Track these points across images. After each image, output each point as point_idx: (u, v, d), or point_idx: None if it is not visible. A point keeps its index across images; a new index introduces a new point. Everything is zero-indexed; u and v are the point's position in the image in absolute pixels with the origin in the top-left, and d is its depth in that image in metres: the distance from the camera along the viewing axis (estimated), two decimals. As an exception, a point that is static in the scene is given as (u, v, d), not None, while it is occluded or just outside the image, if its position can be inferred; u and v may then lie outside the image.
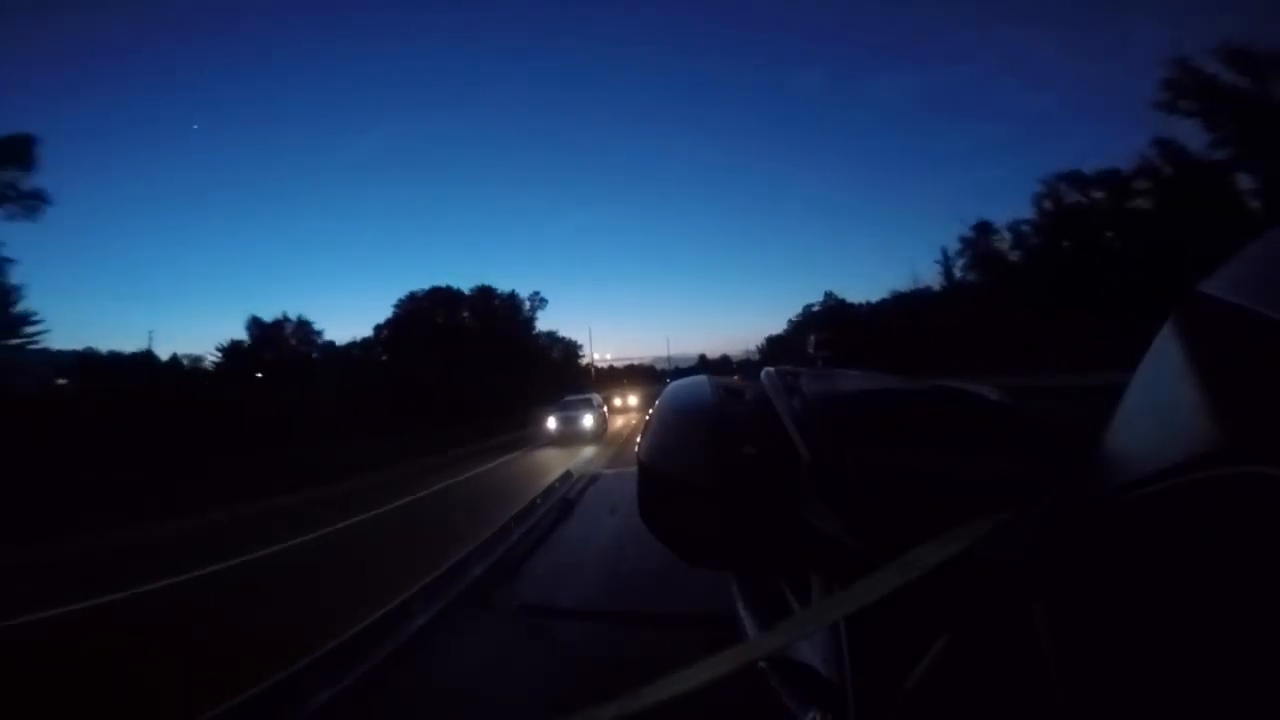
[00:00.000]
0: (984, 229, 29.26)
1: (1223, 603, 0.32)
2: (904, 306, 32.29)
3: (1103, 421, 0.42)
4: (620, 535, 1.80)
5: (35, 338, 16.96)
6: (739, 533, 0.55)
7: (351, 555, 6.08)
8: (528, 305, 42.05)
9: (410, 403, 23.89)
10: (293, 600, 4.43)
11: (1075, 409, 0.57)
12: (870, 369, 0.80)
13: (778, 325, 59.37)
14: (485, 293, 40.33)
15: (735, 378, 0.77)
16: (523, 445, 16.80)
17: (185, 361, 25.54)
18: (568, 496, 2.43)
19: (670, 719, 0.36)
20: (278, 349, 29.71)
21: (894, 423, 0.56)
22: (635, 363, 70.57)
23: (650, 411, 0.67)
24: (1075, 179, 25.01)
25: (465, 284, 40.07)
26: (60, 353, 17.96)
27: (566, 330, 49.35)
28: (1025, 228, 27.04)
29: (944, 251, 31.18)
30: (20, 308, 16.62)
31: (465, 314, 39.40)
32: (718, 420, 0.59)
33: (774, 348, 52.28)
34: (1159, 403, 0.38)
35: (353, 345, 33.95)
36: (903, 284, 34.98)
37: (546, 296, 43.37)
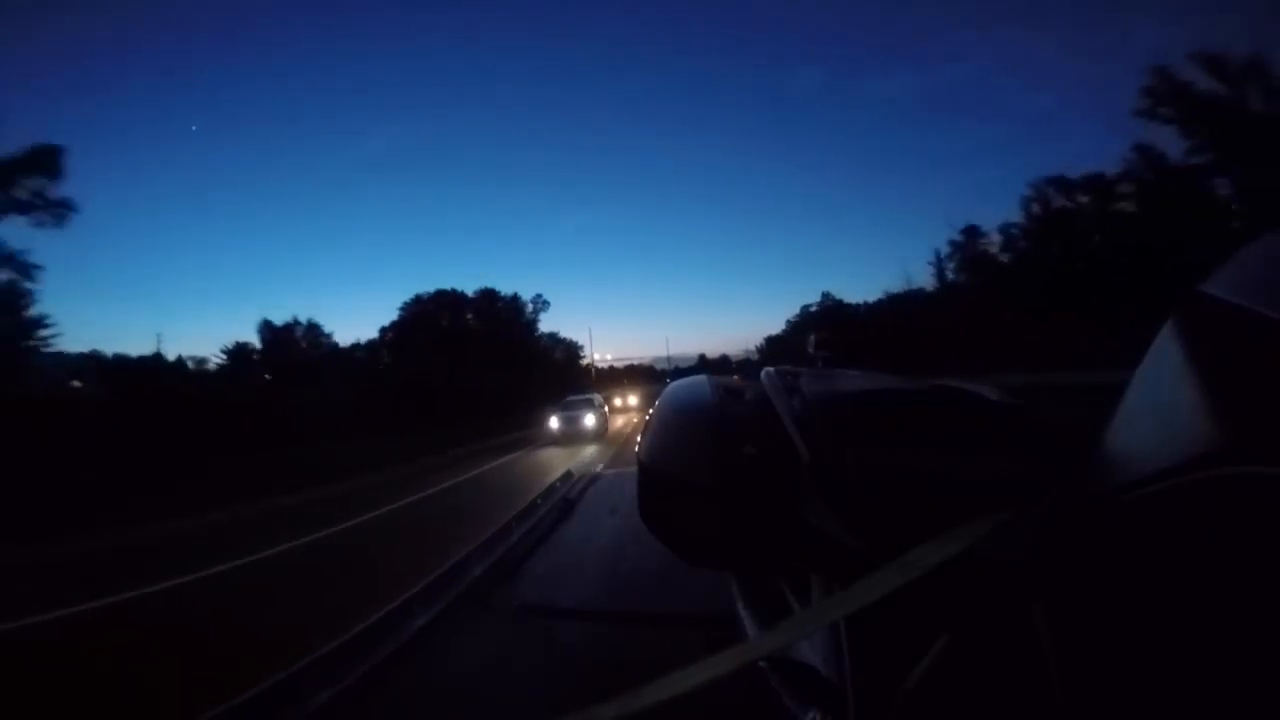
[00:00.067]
0: (972, 233, 30.15)
1: (1223, 603, 0.32)
2: (899, 307, 32.69)
3: (1103, 421, 0.42)
4: (620, 535, 1.80)
5: (48, 341, 17.22)
6: (739, 533, 0.55)
7: (353, 555, 6.08)
8: (530, 308, 42.91)
9: (415, 404, 24.10)
10: (293, 601, 4.43)
11: (1070, 408, 0.57)
12: (869, 369, 0.80)
13: (776, 325, 59.50)
14: (489, 295, 41.07)
15: (735, 377, 0.77)
16: (525, 445, 16.81)
17: (190, 363, 25.76)
18: (568, 496, 2.42)
19: (670, 719, 0.36)
20: (288, 352, 30.26)
21: (894, 423, 0.56)
22: (635, 363, 70.66)
23: (650, 411, 0.67)
24: (1061, 183, 25.61)
25: (465, 284, 40.58)
26: (71, 355, 18.22)
27: (567, 330, 49.77)
28: (1015, 230, 27.70)
29: (936, 253, 31.81)
30: (33, 311, 16.90)
31: (469, 316, 40.20)
32: (718, 420, 0.59)
33: (773, 348, 52.39)
34: (1159, 403, 0.38)
35: (356, 347, 34.48)
36: (897, 284, 35.68)
37: (547, 297, 44.03)
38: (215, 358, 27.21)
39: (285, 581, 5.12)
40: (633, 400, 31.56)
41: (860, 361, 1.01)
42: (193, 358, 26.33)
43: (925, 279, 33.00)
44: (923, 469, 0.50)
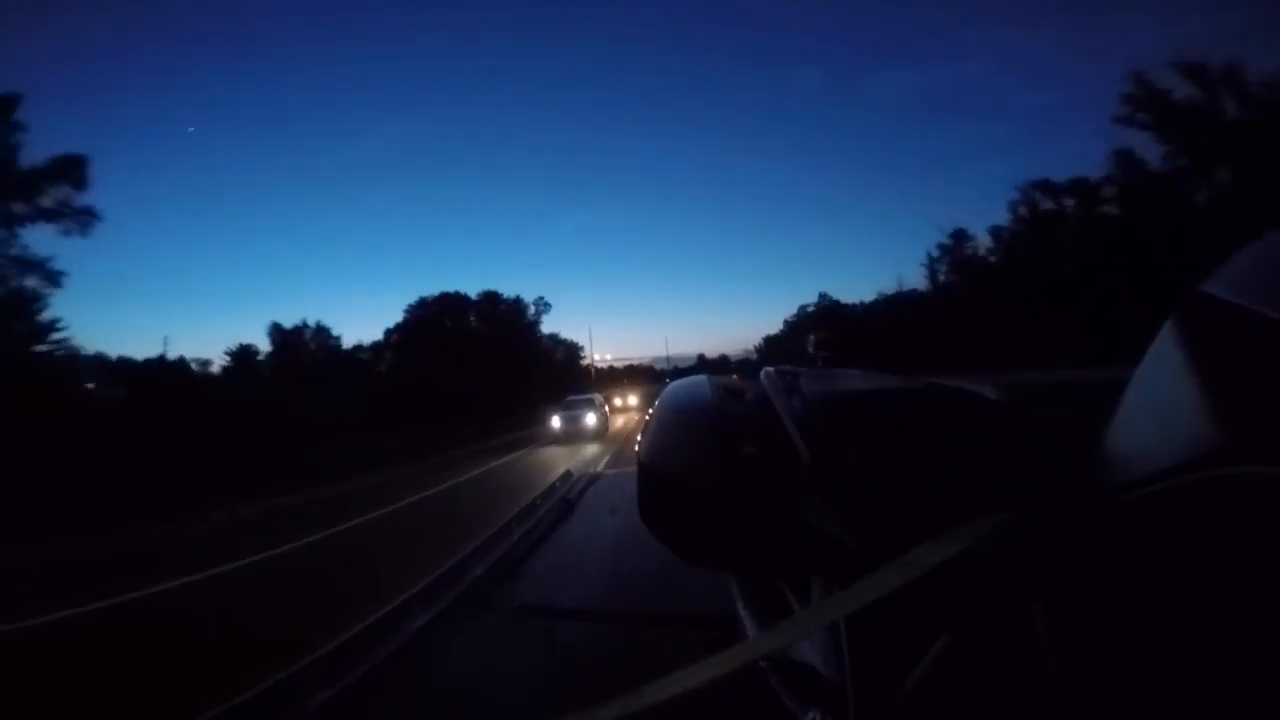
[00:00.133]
0: (960, 236, 31.11)
1: (1222, 603, 0.32)
2: (894, 308, 33.14)
3: (1103, 421, 0.42)
4: (620, 535, 1.79)
5: (61, 344, 17.61)
6: (739, 533, 0.55)
7: (355, 555, 6.07)
8: (532, 309, 43.68)
9: (418, 404, 24.29)
10: (294, 601, 4.42)
11: (1058, 406, 0.57)
12: (869, 369, 0.80)
13: (774, 326, 59.63)
14: (491, 297, 41.83)
15: (734, 377, 0.77)
16: (526, 444, 16.84)
17: (194, 365, 25.93)
18: (568, 497, 2.42)
19: (670, 719, 0.36)
20: (296, 354, 30.81)
21: (894, 423, 0.56)
22: (634, 363, 70.75)
23: (650, 411, 0.67)
24: (1047, 186, 26.26)
25: (465, 283, 41.09)
26: (83, 357, 18.31)
27: (567, 331, 50.18)
28: (1003, 233, 28.45)
29: (929, 255, 32.56)
30: (46, 315, 17.30)
31: (472, 318, 40.90)
32: (718, 420, 0.59)
33: (772, 348, 52.47)
34: (1159, 403, 0.38)
35: (359, 348, 34.93)
36: (891, 285, 36.57)
37: (547, 297, 44.62)
38: (219, 359, 27.43)
39: (286, 582, 5.12)
40: (632, 400, 31.64)
41: (859, 362, 1.01)
42: (196, 359, 26.55)
43: (919, 280, 33.86)
44: (923, 469, 0.50)
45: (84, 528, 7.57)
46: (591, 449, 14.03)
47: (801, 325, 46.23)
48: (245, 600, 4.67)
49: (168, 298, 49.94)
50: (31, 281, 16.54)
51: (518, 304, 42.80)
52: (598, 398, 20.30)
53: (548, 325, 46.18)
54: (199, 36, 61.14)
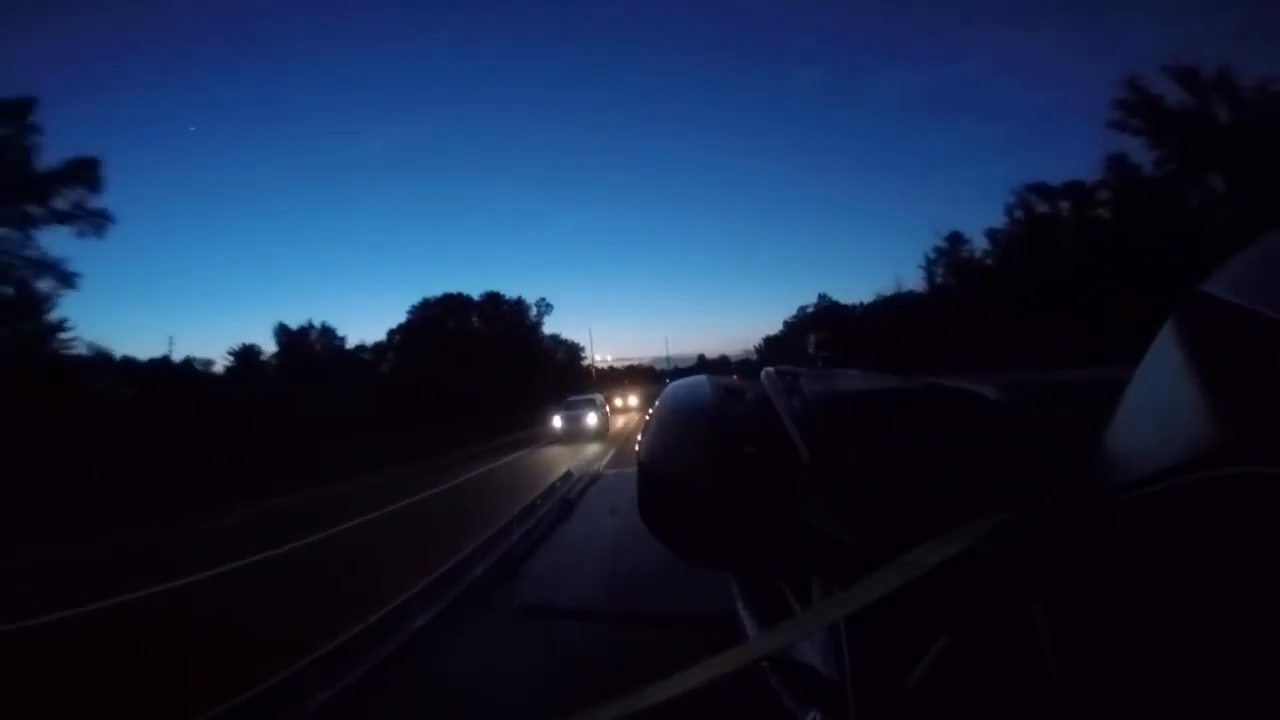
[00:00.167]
0: (956, 240, 31.65)
1: (1222, 603, 0.31)
2: (892, 309, 33.47)
3: (1103, 421, 0.42)
4: (620, 535, 1.80)
5: (68, 344, 17.80)
6: (739, 533, 0.55)
7: (355, 555, 6.08)
8: (534, 311, 44.05)
9: (421, 405, 24.38)
10: (294, 601, 4.43)
11: (1054, 405, 0.57)
12: (869, 369, 0.80)
13: (774, 326, 59.78)
14: (494, 299, 42.28)
15: (734, 377, 0.77)
16: (528, 444, 16.87)
17: (197, 365, 26.00)
18: (567, 497, 2.42)
19: (670, 719, 0.36)
20: (302, 354, 31.19)
21: (894, 423, 0.56)
22: (635, 363, 70.81)
23: (650, 411, 0.67)
24: (1043, 190, 26.64)
25: (465, 283, 41.40)
26: (87, 358, 18.42)
27: (567, 331, 50.38)
28: (1000, 235, 28.86)
29: (926, 257, 32.98)
30: (53, 316, 17.48)
31: (475, 319, 41.37)
32: (718, 420, 0.59)
33: (771, 348, 52.57)
34: (1159, 403, 0.38)
35: (361, 348, 35.25)
36: (889, 287, 36.96)
37: (547, 297, 44.79)
38: (222, 359, 27.53)
39: (284, 582, 5.12)
40: (633, 400, 31.69)
41: (858, 362, 1.00)
42: (199, 360, 26.63)
43: (917, 281, 34.26)
44: (923, 469, 0.50)
45: (85, 528, 7.58)
46: (593, 448, 14.06)
47: (801, 326, 46.58)
48: (245, 600, 4.68)
49: (170, 297, 50.10)
50: (47, 283, 16.85)
51: (520, 305, 43.29)
52: (599, 398, 20.36)
53: (549, 326, 46.53)
54: (200, 37, 61.28)
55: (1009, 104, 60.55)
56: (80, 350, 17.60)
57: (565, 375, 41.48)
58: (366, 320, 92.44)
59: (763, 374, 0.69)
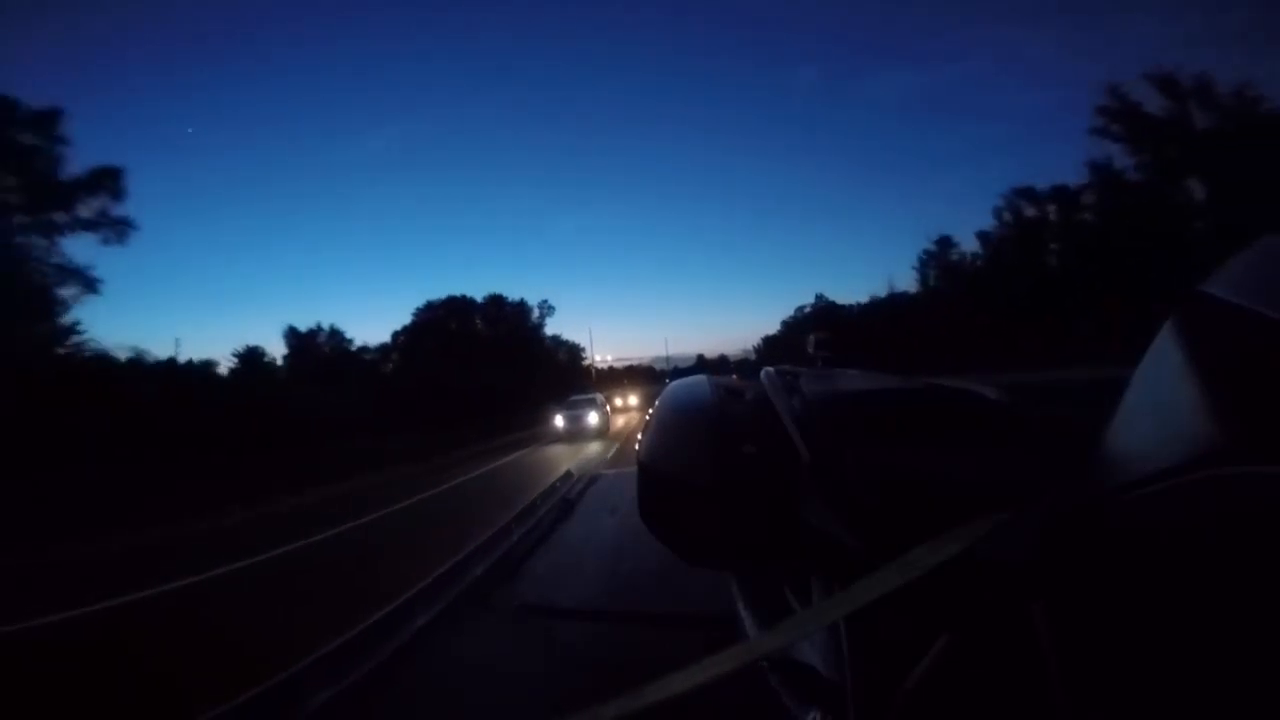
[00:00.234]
0: (945, 243, 32.40)
1: (1222, 603, 0.31)
2: (888, 310, 33.98)
3: (1103, 421, 0.42)
4: (620, 535, 1.80)
5: (80, 346, 18.03)
6: (739, 533, 0.55)
7: (358, 554, 6.08)
8: (536, 313, 44.78)
9: (425, 405, 24.58)
10: (294, 601, 4.43)
11: (1055, 405, 0.57)
12: (869, 369, 0.80)
13: (772, 326, 59.89)
14: (497, 301, 42.84)
15: (733, 377, 0.77)
16: (530, 443, 16.91)
17: (200, 365, 26.12)
18: (568, 497, 2.42)
19: (670, 719, 0.36)
20: (310, 356, 31.69)
21: (894, 423, 0.56)
22: (634, 363, 70.78)
23: (650, 411, 0.67)
24: (1030, 194, 27.25)
25: (465, 284, 41.84)
26: (107, 359, 18.56)
27: (567, 332, 50.63)
28: (990, 238, 29.47)
29: (920, 259, 33.56)
30: (67, 318, 17.75)
31: (478, 321, 42.14)
32: (718, 420, 0.59)
33: (770, 348, 52.71)
34: (1159, 403, 0.38)
35: (364, 350, 35.73)
36: (883, 287, 37.47)
37: (547, 297, 45.34)
38: (227, 361, 27.66)
39: (284, 583, 5.12)
40: (633, 400, 31.75)
41: (857, 362, 1.01)
42: (202, 361, 26.76)
43: (910, 283, 34.80)
44: (923, 469, 0.50)
45: (85, 528, 7.59)
46: (594, 447, 14.12)
47: (799, 326, 46.92)
48: (244, 600, 4.68)
49: (176, 299, 50.06)
50: (71, 289, 17.28)
51: (522, 306, 43.93)
52: (599, 397, 20.48)
53: (550, 327, 46.89)
54: (202, 39, 61.25)
55: (1006, 104, 60.43)
56: (94, 351, 17.87)
57: (566, 375, 41.76)
58: (372, 322, 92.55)
59: (763, 374, 0.69)
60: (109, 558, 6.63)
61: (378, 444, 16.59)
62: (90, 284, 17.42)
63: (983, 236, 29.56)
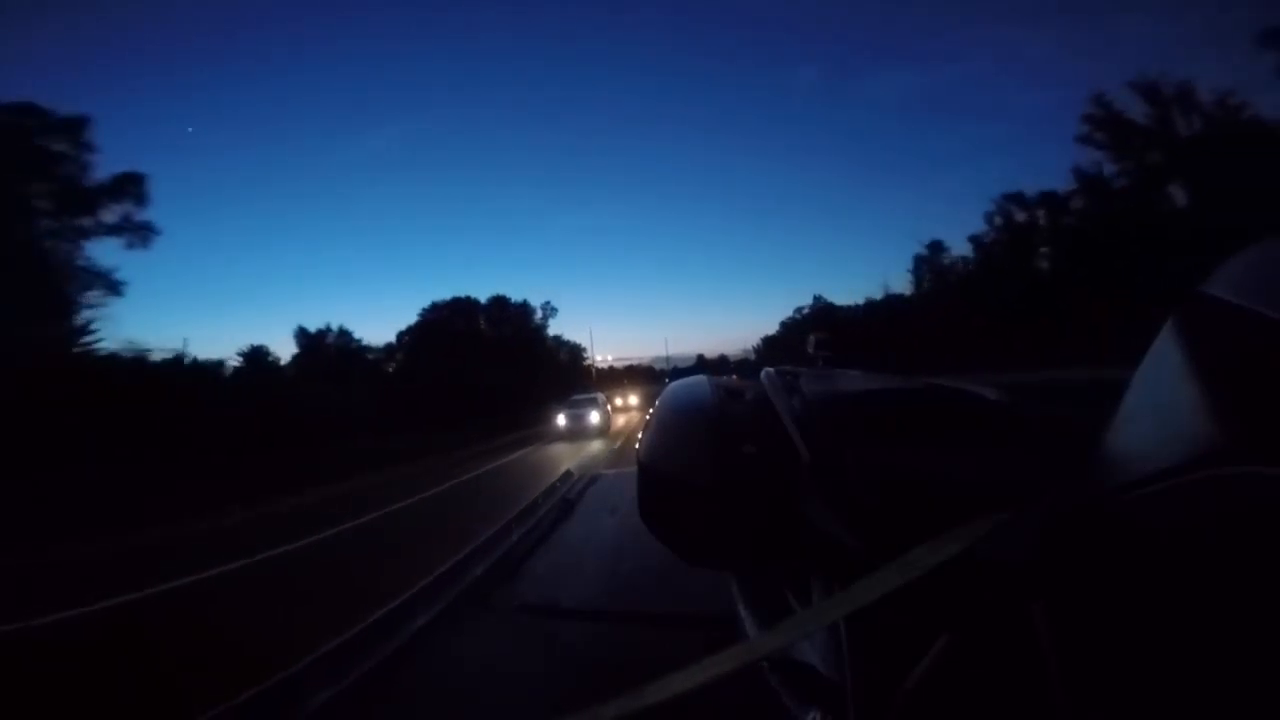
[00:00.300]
0: (936, 247, 33.39)
1: (1222, 603, 0.31)
2: (885, 311, 34.43)
3: (1103, 421, 0.42)
4: (620, 535, 1.79)
5: (92, 346, 18.25)
6: (739, 533, 0.55)
7: (360, 553, 6.08)
8: (539, 314, 45.67)
9: (429, 404, 24.69)
10: (295, 601, 4.43)
11: (1053, 404, 0.57)
12: (869, 369, 0.80)
13: (772, 327, 60.11)
14: (500, 302, 43.63)
15: (733, 377, 0.77)
16: (533, 441, 16.96)
17: (203, 364, 26.18)
18: (567, 497, 2.42)
19: (670, 719, 0.36)
20: (318, 357, 32.21)
21: (894, 423, 0.56)
22: (634, 363, 70.91)
23: (650, 411, 0.67)
24: (1019, 199, 27.87)
25: (465, 284, 42.53)
26: (113, 359, 18.63)
27: (568, 332, 51.13)
28: (983, 241, 30.18)
29: (915, 261, 34.24)
30: (79, 319, 18.06)
31: (482, 321, 42.75)
32: (718, 420, 0.59)
33: (769, 348, 52.79)
34: (1159, 403, 0.38)
35: (369, 349, 36.12)
36: (878, 289, 38.02)
37: (547, 297, 45.68)
38: (233, 361, 27.72)
39: (284, 582, 5.13)
40: (633, 399, 31.86)
41: (857, 362, 1.01)
42: (211, 360, 26.82)
43: (905, 285, 35.56)
44: (923, 469, 0.50)
45: (84, 528, 7.58)
46: (595, 445, 14.18)
47: (798, 326, 47.25)
48: (244, 600, 4.68)
49: (179, 298, 50.29)
50: (97, 292, 17.81)
51: (525, 307, 44.74)
52: (600, 397, 20.60)
53: (552, 328, 47.17)
54: (205, 41, 61.36)
55: (1005, 105, 60.56)
56: (105, 352, 18.01)
57: (567, 375, 42.06)
58: (378, 322, 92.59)
59: (762, 374, 0.69)
60: (108, 557, 6.64)
61: (380, 443, 16.62)
62: (114, 286, 18.07)
63: (976, 240, 30.25)
